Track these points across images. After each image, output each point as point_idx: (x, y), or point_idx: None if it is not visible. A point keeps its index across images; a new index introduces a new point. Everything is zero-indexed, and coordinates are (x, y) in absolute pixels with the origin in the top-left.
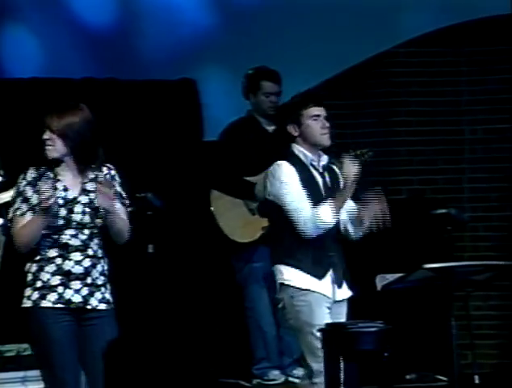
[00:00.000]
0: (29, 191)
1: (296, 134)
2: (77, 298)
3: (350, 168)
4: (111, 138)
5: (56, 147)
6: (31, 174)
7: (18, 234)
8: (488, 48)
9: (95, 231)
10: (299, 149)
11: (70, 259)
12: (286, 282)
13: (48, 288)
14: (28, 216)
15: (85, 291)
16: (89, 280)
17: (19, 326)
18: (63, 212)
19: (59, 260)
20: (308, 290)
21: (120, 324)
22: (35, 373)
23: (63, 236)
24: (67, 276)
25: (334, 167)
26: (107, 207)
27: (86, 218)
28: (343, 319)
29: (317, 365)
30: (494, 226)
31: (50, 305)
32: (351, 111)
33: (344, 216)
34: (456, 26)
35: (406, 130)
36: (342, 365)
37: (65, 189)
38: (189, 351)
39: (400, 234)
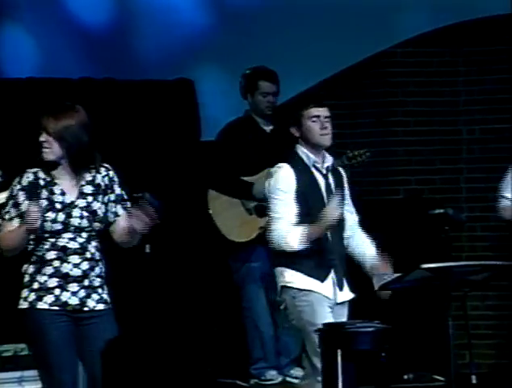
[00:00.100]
0: (21, 197)
1: (298, 135)
2: (73, 300)
3: (333, 211)
4: (108, 138)
5: (52, 149)
6: (26, 178)
7: (3, 237)
8: (485, 48)
9: (93, 234)
10: (302, 151)
11: (68, 262)
12: (288, 284)
13: (45, 290)
14: (15, 222)
15: (82, 293)
16: (86, 283)
17: (16, 326)
18: (61, 216)
19: (57, 263)
20: (310, 291)
21: (118, 325)
22: (33, 373)
23: (61, 239)
24: (64, 279)
25: (340, 169)
26: (142, 231)
27: (84, 222)
28: None
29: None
30: (492, 226)
31: (46, 307)
32: (349, 111)
33: (359, 255)
34: (454, 26)
35: (404, 130)
36: (339, 365)
37: (63, 193)
38: (186, 351)
39: (397, 233)
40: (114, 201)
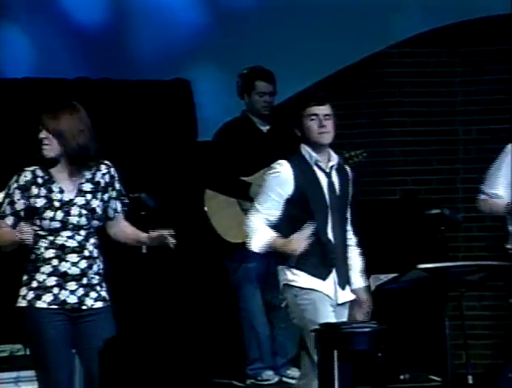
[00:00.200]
0: (17, 195)
1: (299, 134)
2: (72, 299)
3: (300, 242)
4: (104, 139)
5: (52, 146)
6: (24, 177)
7: None
8: (483, 48)
9: (91, 231)
10: (305, 149)
11: (67, 261)
12: (290, 283)
13: (44, 288)
14: (9, 220)
15: (80, 292)
16: (84, 281)
17: (13, 326)
18: (59, 215)
19: (55, 261)
20: (312, 289)
21: (115, 324)
22: (29, 373)
23: (59, 237)
24: (63, 278)
25: (347, 168)
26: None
27: (83, 220)
28: None
29: None
30: (488, 227)
31: (45, 306)
32: (346, 111)
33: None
34: (451, 26)
35: (400, 130)
36: (335, 365)
37: (61, 191)
38: (183, 351)
39: (394, 234)
40: (115, 198)
